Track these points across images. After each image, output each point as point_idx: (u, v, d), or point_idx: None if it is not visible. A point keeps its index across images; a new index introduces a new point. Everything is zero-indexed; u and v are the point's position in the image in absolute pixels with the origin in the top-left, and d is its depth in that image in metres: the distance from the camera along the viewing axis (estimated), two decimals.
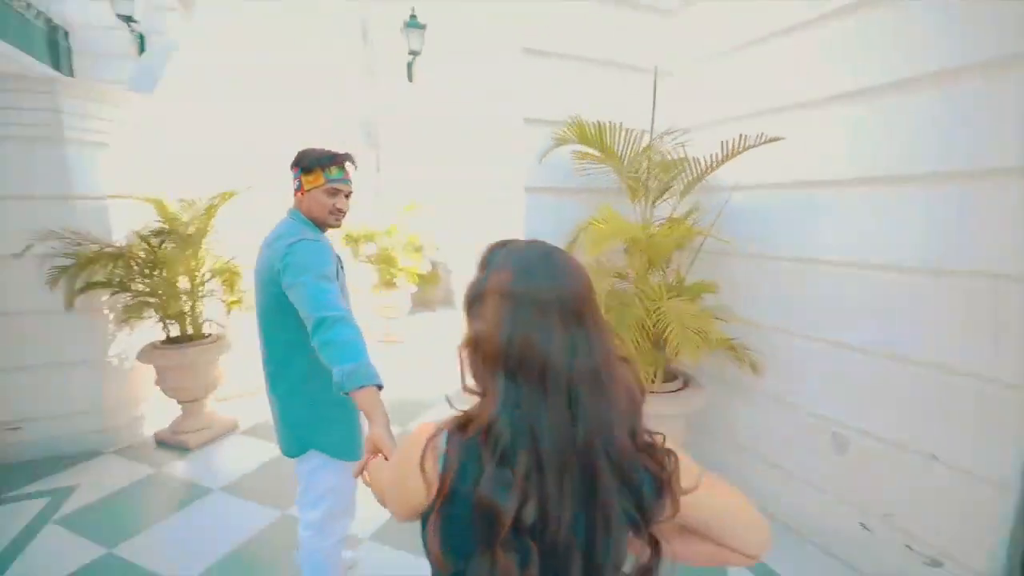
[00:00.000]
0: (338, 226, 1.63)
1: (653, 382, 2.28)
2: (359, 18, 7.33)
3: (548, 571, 0.60)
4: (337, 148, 1.59)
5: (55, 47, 5.71)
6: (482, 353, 0.64)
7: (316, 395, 1.53)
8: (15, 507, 2.54)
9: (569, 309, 0.63)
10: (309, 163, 1.53)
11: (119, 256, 2.92)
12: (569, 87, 2.51)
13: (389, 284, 5.71)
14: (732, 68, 2.52)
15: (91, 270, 2.86)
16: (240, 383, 3.59)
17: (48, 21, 5.72)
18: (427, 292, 6.86)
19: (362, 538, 2.35)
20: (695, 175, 2.27)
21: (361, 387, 1.22)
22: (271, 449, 3.26)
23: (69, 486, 2.71)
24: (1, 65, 3.30)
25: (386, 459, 1.09)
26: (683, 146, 2.32)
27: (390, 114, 7.52)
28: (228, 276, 3.33)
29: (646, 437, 0.66)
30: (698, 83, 2.71)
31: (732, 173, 2.31)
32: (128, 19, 5.78)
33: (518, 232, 2.76)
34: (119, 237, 3.08)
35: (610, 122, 2.22)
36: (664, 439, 0.67)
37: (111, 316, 3.09)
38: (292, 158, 1.56)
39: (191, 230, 3.17)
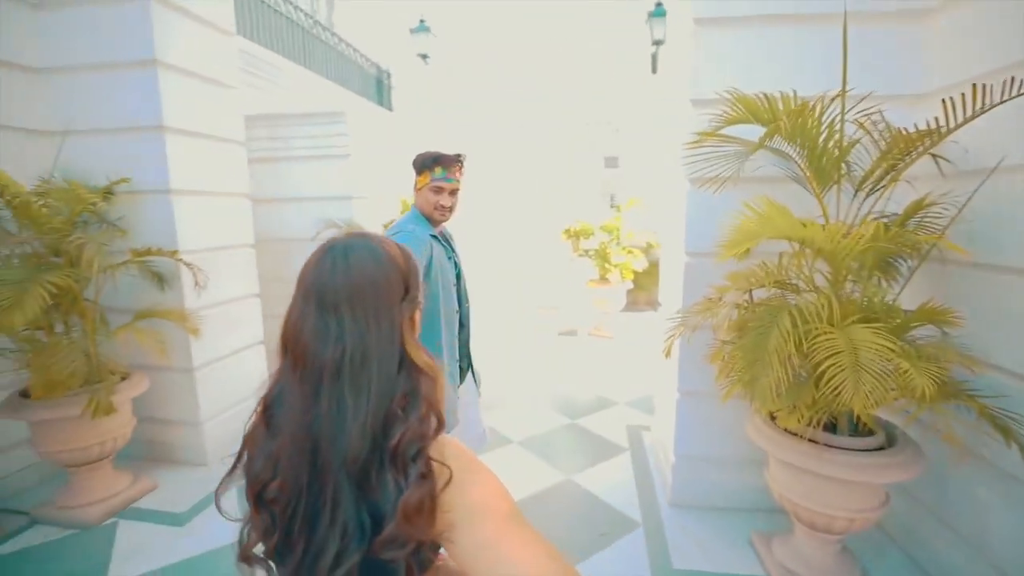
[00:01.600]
0: (443, 220, 1.80)
1: (812, 425, 1.73)
2: (597, 13, 7.43)
3: (307, 544, 0.61)
4: (447, 151, 1.77)
5: (380, 86, 7.74)
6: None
7: None
8: None
9: (329, 299, 0.63)
10: (419, 164, 1.75)
11: None
12: (741, 56, 2.08)
13: (603, 279, 5.79)
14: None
15: None
16: None
17: (379, 67, 7.76)
18: (647, 290, 6.64)
19: None
20: (907, 149, 1.58)
21: None
22: None
23: None
24: (321, 107, 4.71)
25: None
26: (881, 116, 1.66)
27: (629, 106, 7.48)
28: None
29: (411, 448, 0.60)
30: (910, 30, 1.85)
31: (987, 146, 1.52)
32: (424, 56, 7.35)
33: (679, 231, 2.46)
34: (376, 226, 4.09)
35: (786, 93, 1.74)
36: (436, 462, 0.60)
37: None
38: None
39: None
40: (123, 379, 2.60)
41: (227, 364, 3.18)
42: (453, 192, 1.75)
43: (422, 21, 7.98)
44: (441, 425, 0.65)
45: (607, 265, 5.64)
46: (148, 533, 2.36)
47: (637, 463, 2.97)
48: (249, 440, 0.67)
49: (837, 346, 1.51)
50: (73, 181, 2.63)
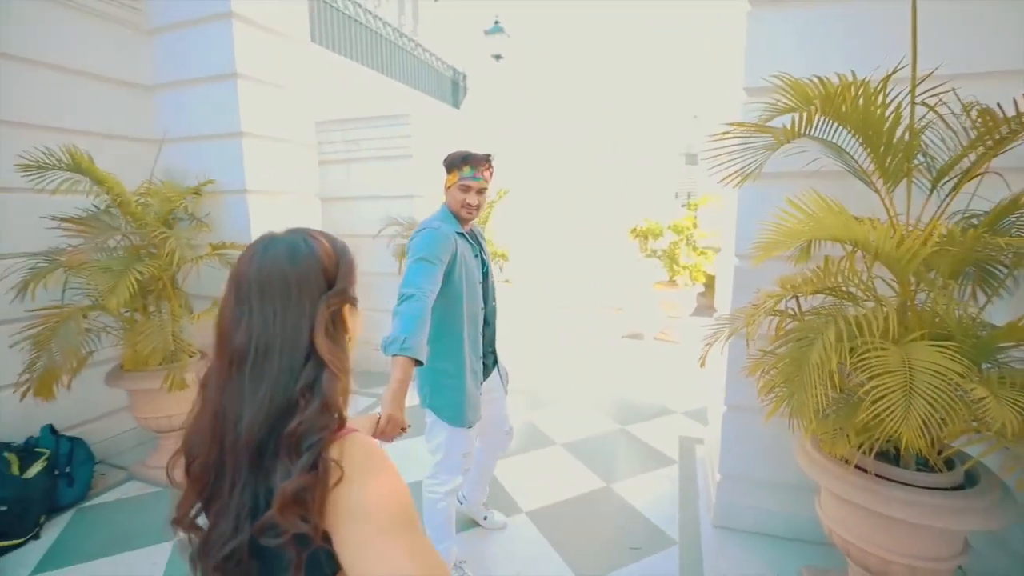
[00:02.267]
0: (470, 218, 1.81)
1: (866, 452, 1.51)
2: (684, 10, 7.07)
3: (213, 520, 0.65)
4: (476, 151, 1.79)
5: (456, 88, 7.96)
6: None
7: (434, 361, 1.75)
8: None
9: (243, 289, 0.66)
10: (449, 163, 1.79)
11: None
12: (796, 39, 1.86)
13: (671, 282, 5.51)
14: None
15: None
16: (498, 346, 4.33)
17: (455, 70, 7.98)
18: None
19: (524, 510, 2.53)
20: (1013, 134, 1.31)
21: (394, 355, 1.37)
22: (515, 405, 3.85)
23: None
24: (387, 110, 4.94)
25: (387, 419, 1.25)
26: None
27: (710, 100, 7.03)
28: (497, 258, 4.04)
29: (305, 438, 0.60)
30: None
31: None
32: (497, 56, 7.45)
33: (730, 230, 2.27)
34: None
35: (844, 75, 1.53)
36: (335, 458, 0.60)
37: None
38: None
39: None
40: (202, 358, 2.93)
41: None
42: (480, 191, 1.77)
43: (496, 22, 8.10)
44: (342, 422, 0.65)
45: (675, 267, 5.35)
46: None
47: (684, 477, 2.79)
48: (189, 417, 0.70)
49: (887, 364, 1.30)
50: (168, 182, 3.01)
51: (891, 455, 1.58)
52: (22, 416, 2.56)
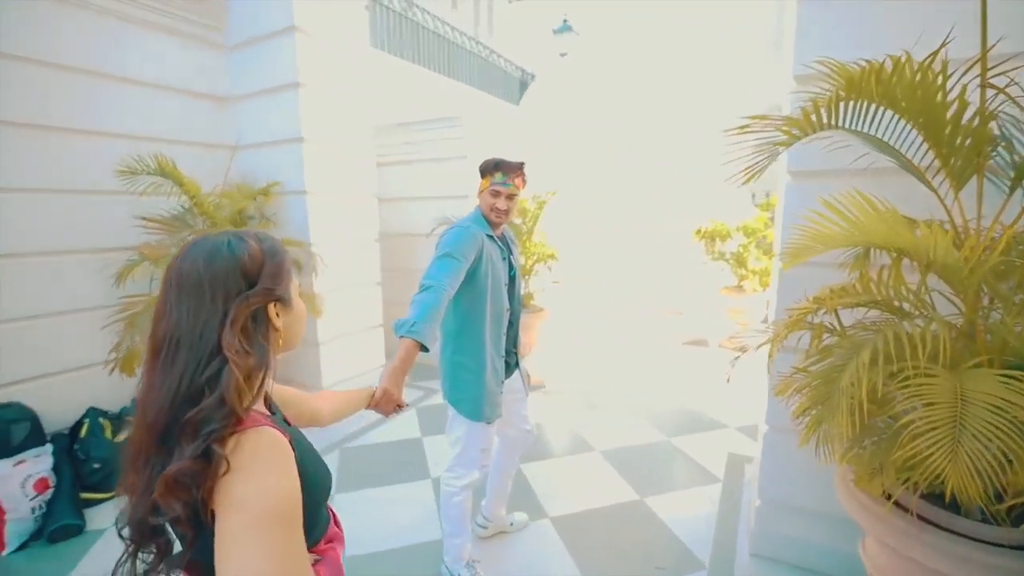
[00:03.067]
0: (499, 222, 1.84)
1: (912, 490, 1.30)
2: None
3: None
4: (509, 158, 1.83)
5: (524, 87, 7.98)
6: None
7: (455, 357, 1.83)
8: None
9: (167, 284, 0.71)
10: (483, 169, 1.84)
11: None
12: (852, 21, 1.64)
13: (738, 287, 5.15)
14: None
15: None
16: (547, 345, 4.30)
17: (523, 70, 8.00)
18: None
19: (549, 515, 2.49)
20: None
21: (402, 336, 1.42)
22: (560, 407, 3.81)
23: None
24: (445, 111, 5.05)
25: (382, 393, 1.29)
26: None
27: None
28: (547, 258, 4.00)
29: (201, 426, 0.62)
30: None
31: None
32: (564, 55, 7.39)
33: (778, 231, 2.07)
34: None
35: (899, 55, 1.33)
36: (230, 449, 0.63)
37: None
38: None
39: (528, 222, 4.01)
40: None
41: (348, 342, 3.67)
42: (510, 197, 1.80)
43: (565, 21, 8.02)
44: (238, 419, 0.66)
45: (743, 271, 4.98)
46: None
47: (727, 498, 2.60)
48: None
49: (933, 393, 1.12)
50: (241, 185, 3.32)
51: (946, 498, 1.36)
52: (119, 388, 2.95)
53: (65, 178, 2.72)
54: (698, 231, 5.29)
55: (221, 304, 0.69)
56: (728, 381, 1.74)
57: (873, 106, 1.38)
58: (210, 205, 2.95)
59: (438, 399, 3.97)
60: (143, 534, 0.66)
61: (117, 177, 2.68)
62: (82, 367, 2.79)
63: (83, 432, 2.64)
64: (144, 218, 2.72)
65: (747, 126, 1.32)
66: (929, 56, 1.23)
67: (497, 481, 2.26)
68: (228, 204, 3.08)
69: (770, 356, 1.43)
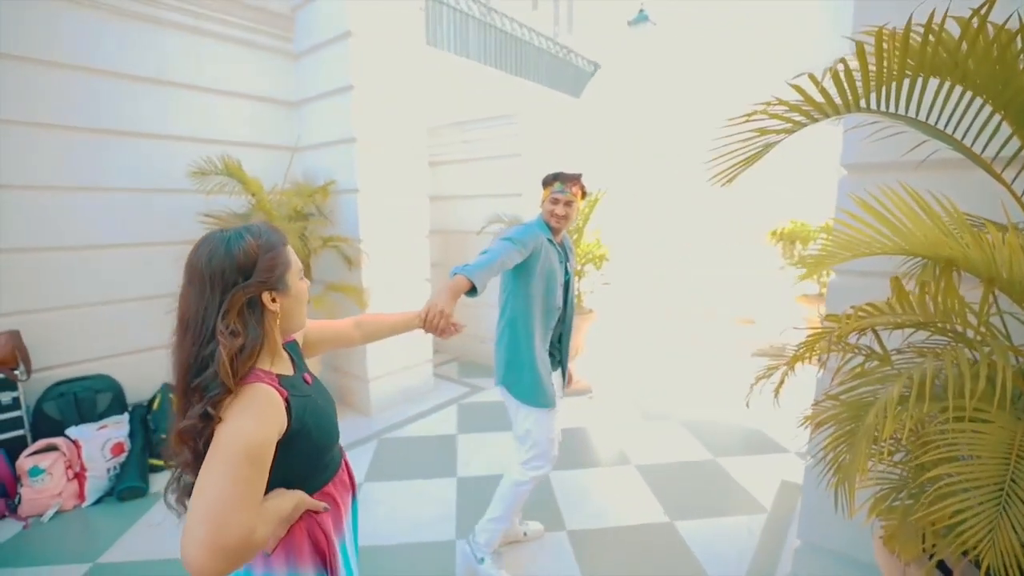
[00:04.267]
0: (558, 227, 1.98)
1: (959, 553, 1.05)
2: None
3: None
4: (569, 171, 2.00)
5: (586, 79, 7.73)
6: None
7: (513, 341, 1.96)
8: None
9: (184, 275, 0.85)
10: (544, 181, 2.02)
11: None
12: None
13: (819, 295, 4.61)
14: None
15: None
16: (596, 349, 4.13)
17: (587, 61, 7.76)
18: None
19: (567, 527, 2.39)
20: None
21: (455, 274, 1.55)
22: (604, 414, 3.66)
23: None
24: (502, 109, 4.99)
25: (427, 307, 1.34)
26: None
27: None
28: (597, 259, 3.85)
29: (207, 391, 0.77)
30: None
31: None
32: (640, 46, 7.02)
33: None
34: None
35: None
36: (221, 403, 0.78)
37: None
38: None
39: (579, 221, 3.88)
40: None
41: (395, 336, 3.77)
42: (567, 203, 1.95)
43: (641, 10, 7.65)
44: (228, 390, 0.79)
45: (824, 278, 4.44)
46: None
47: (770, 531, 2.32)
48: None
49: (980, 444, 0.89)
50: (302, 184, 3.54)
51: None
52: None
53: (144, 178, 3.07)
54: (774, 232, 4.81)
55: (219, 294, 0.82)
56: (748, 407, 1.53)
57: (915, 82, 1.13)
58: (270, 203, 3.17)
59: (482, 397, 3.99)
60: (176, 448, 0.82)
61: (189, 178, 2.97)
62: (158, 347, 3.13)
63: (155, 405, 2.97)
64: (207, 215, 2.98)
65: (752, 113, 1.14)
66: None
67: None
68: (286, 202, 3.30)
69: (780, 383, 1.23)
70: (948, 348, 1.17)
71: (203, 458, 0.75)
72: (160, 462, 2.83)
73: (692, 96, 5.57)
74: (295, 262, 0.94)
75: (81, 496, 2.52)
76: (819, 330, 1.22)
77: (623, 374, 4.52)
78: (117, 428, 2.73)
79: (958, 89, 1.14)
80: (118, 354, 3.02)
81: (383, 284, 3.63)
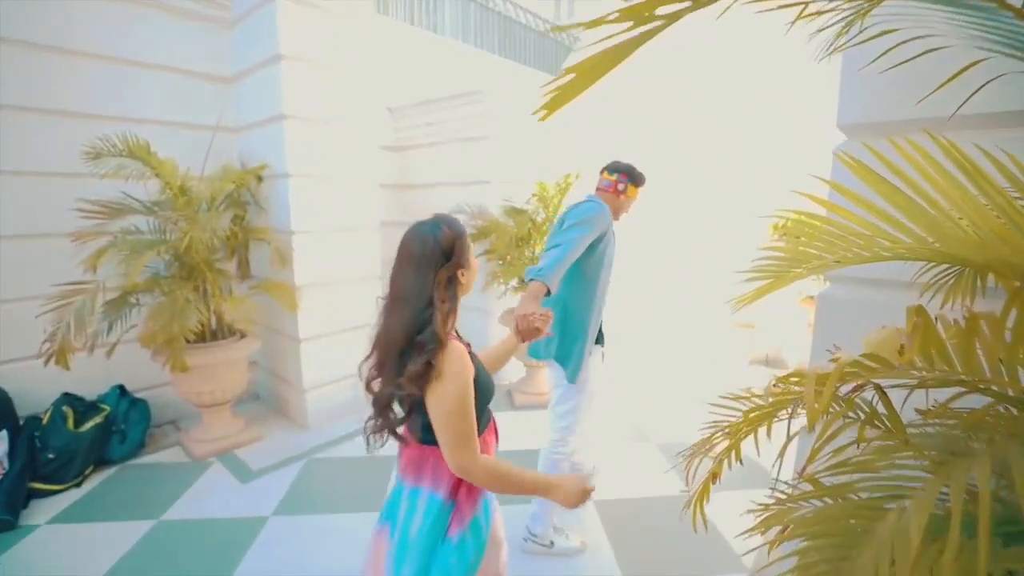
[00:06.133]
0: (616, 219, 2.05)
1: None
2: None
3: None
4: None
5: (565, 53, 7.19)
6: None
7: (567, 316, 1.96)
8: None
9: (398, 257, 1.06)
10: (636, 177, 2.05)
11: (492, 231, 3.55)
12: None
13: None
14: None
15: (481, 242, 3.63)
16: None
17: (568, 34, 7.22)
18: None
19: None
20: None
21: (531, 280, 1.65)
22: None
23: None
24: (463, 87, 4.52)
25: (517, 318, 1.46)
26: None
27: None
28: None
29: (426, 345, 0.99)
30: None
31: None
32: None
33: None
34: (498, 212, 3.74)
35: None
36: (432, 358, 1.00)
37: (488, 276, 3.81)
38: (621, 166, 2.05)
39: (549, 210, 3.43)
40: (241, 338, 2.99)
41: (339, 340, 3.36)
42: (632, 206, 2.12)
43: None
44: (442, 343, 1.00)
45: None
46: (219, 481, 2.65)
47: None
48: (376, 329, 1.09)
49: None
50: (227, 166, 3.13)
51: None
52: (105, 375, 2.92)
53: (43, 160, 2.69)
54: (775, 226, 4.29)
55: (432, 273, 1.03)
56: (712, 484, 1.08)
57: None
58: (183, 188, 2.76)
59: None
60: (382, 407, 1.06)
61: (81, 159, 2.57)
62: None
63: (45, 419, 2.60)
64: (86, 202, 2.55)
65: None
66: None
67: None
68: (206, 188, 2.90)
69: (714, 475, 0.78)
70: (1004, 416, 0.70)
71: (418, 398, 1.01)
72: (48, 486, 2.46)
73: (687, 82, 5.04)
74: (471, 244, 1.14)
75: None
76: (780, 394, 0.77)
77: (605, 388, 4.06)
78: None
79: None
80: (6, 360, 2.65)
81: (322, 282, 3.21)
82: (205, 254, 2.76)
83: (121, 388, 2.98)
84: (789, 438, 0.86)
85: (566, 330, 1.96)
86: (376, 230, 3.55)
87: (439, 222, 1.07)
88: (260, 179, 3.20)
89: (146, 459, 2.87)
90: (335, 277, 3.30)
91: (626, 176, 2.02)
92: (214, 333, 2.90)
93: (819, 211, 0.82)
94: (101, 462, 2.76)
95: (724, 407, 0.97)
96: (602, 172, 2.06)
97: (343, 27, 3.17)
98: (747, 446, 1.00)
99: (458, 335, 1.14)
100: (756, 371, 4.44)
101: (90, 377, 2.88)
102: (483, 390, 1.12)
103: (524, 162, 3.98)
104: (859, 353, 0.80)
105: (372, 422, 1.07)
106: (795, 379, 0.81)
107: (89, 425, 2.68)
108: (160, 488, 2.57)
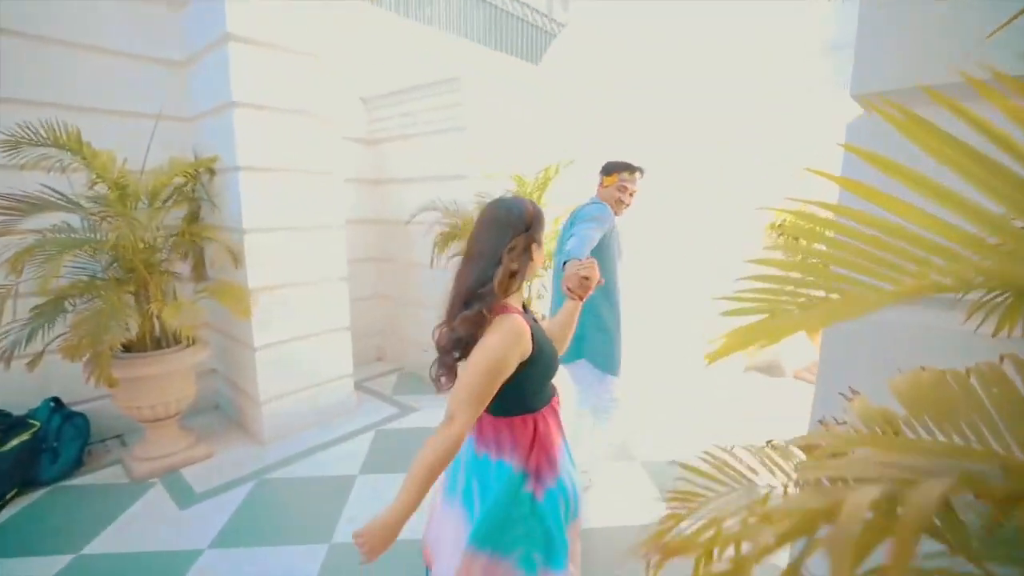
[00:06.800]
0: (619, 214, 2.22)
1: None
2: None
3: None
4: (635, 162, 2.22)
5: (547, 40, 6.91)
6: None
7: (595, 307, 2.13)
8: None
9: (479, 221, 1.20)
10: (608, 168, 2.24)
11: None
12: None
13: None
14: None
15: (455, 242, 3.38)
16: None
17: (547, 20, 6.90)
18: None
19: None
20: None
21: (565, 261, 1.61)
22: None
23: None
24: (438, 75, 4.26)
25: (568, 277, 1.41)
26: None
27: None
28: (548, 255, 3.13)
29: (483, 297, 1.11)
30: None
31: None
32: None
33: None
34: (474, 209, 3.48)
35: None
36: (476, 323, 1.11)
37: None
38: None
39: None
40: (190, 344, 2.73)
41: (298, 347, 3.10)
42: (632, 193, 2.23)
43: None
44: (498, 298, 1.13)
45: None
46: (156, 506, 2.39)
47: None
48: (452, 281, 1.21)
49: None
50: (176, 158, 2.85)
51: None
52: (40, 387, 2.67)
53: None
54: (772, 225, 4.05)
55: (510, 235, 1.15)
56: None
57: None
58: (117, 182, 2.49)
59: (409, 422, 3.30)
60: (445, 348, 1.16)
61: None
62: None
63: None
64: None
65: None
66: None
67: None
68: (148, 181, 2.63)
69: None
70: None
71: (468, 342, 1.12)
72: None
73: (679, 75, 4.76)
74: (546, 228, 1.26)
75: None
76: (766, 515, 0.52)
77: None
78: None
79: None
80: None
81: (279, 285, 2.95)
82: (145, 255, 2.50)
83: (55, 401, 2.71)
84: None
85: (596, 323, 2.14)
86: (341, 228, 3.29)
87: (523, 199, 1.21)
88: (213, 173, 2.93)
89: (81, 480, 2.61)
90: (294, 279, 3.04)
91: (601, 172, 2.26)
92: (157, 341, 2.64)
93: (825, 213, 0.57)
94: (29, 483, 2.50)
95: (690, 493, 0.72)
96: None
97: (308, 9, 2.90)
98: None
99: (526, 310, 1.26)
100: (752, 379, 4.19)
101: (22, 390, 2.62)
102: (545, 364, 1.19)
103: (503, 155, 3.71)
104: (885, 403, 0.55)
105: (434, 366, 1.19)
106: (804, 465, 0.55)
107: (13, 443, 2.42)
108: (88, 515, 2.31)
